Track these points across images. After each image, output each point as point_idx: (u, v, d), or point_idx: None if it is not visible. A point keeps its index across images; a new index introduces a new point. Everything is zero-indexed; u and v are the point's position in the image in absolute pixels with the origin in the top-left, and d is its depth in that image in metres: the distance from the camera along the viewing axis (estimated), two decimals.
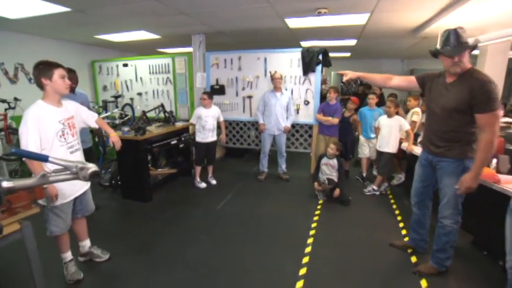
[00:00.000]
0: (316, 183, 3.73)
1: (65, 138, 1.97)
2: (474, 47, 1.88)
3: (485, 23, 3.71)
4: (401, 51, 7.01)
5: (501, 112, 1.83)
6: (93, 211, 2.37)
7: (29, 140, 1.77)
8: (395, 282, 2.18)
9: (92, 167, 1.03)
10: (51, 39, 5.11)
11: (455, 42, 1.84)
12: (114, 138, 2.38)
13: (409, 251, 2.56)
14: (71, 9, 3.28)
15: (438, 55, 1.96)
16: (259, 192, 4.02)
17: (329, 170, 3.72)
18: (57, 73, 1.91)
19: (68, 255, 2.19)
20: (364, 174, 4.38)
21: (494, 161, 2.51)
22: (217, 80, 5.05)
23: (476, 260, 2.44)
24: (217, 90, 5.01)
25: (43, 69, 1.88)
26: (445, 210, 2.09)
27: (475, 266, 2.36)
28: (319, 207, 3.52)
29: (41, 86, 1.91)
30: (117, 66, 5.73)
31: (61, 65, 1.96)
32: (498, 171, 2.35)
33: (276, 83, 4.20)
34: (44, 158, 0.97)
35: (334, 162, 3.68)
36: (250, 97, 4.91)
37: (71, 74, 2.60)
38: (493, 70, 4.00)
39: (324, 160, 3.75)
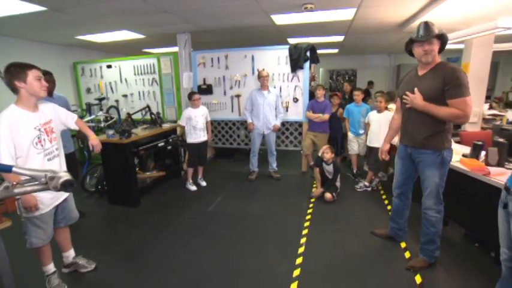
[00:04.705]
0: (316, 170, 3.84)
1: (42, 145, 1.85)
2: (440, 36, 1.94)
3: (470, 17, 3.75)
4: (388, 46, 7.05)
5: (470, 100, 1.89)
6: (76, 219, 2.25)
7: (2, 148, 1.64)
8: (390, 281, 2.15)
9: (64, 176, 0.94)
10: (28, 40, 4.88)
11: (424, 31, 1.94)
12: (93, 141, 2.27)
13: (403, 246, 2.55)
14: (46, 9, 3.12)
15: (412, 46, 2.06)
16: (250, 192, 3.96)
17: (327, 174, 3.75)
18: (32, 74, 1.79)
19: (51, 268, 2.07)
20: (355, 171, 4.37)
21: (483, 153, 2.53)
22: (204, 80, 4.95)
23: (468, 252, 2.45)
24: (205, 89, 4.91)
25: (15, 72, 1.75)
26: (428, 201, 2.14)
27: (467, 258, 2.36)
28: (311, 205, 3.48)
29: (15, 90, 1.79)
30: (100, 67, 5.54)
31: (35, 65, 1.84)
32: (487, 163, 2.36)
33: (262, 81, 4.14)
34: (6, 169, 0.88)
35: (331, 168, 3.69)
36: (238, 96, 4.84)
37: (47, 76, 2.46)
38: (478, 63, 4.06)
39: (324, 166, 3.76)
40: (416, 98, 2.02)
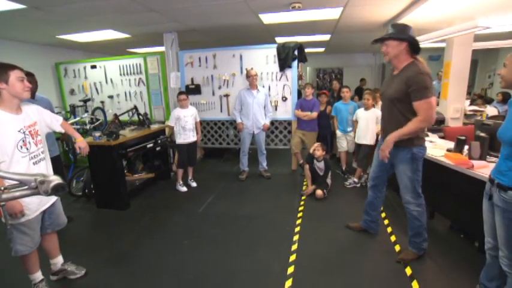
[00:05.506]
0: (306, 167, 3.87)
1: (27, 149, 1.78)
2: (396, 38, 2.01)
3: (451, 16, 3.88)
4: (373, 45, 7.19)
5: (433, 100, 1.97)
6: (64, 224, 2.18)
7: None
8: (382, 273, 2.20)
9: (55, 180, 0.91)
10: (6, 40, 4.69)
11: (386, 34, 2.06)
12: (81, 143, 2.22)
13: (393, 240, 2.62)
14: (25, 7, 3.01)
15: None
16: (241, 192, 3.95)
17: (318, 170, 3.79)
18: (14, 75, 1.72)
19: (38, 276, 2.00)
20: (344, 168, 4.44)
21: (466, 147, 2.63)
22: (192, 79, 4.90)
23: (454, 243, 2.54)
24: (193, 89, 4.87)
25: None
26: (405, 195, 2.22)
27: (454, 249, 2.45)
28: (302, 202, 3.52)
29: None
30: (84, 68, 5.39)
31: (17, 66, 1.77)
32: (470, 157, 2.45)
33: (251, 80, 4.13)
34: None
35: (322, 165, 3.75)
36: (227, 96, 4.82)
37: (29, 77, 2.37)
38: (458, 61, 4.20)
39: (315, 163, 3.80)
40: (382, 151, 2.13)
